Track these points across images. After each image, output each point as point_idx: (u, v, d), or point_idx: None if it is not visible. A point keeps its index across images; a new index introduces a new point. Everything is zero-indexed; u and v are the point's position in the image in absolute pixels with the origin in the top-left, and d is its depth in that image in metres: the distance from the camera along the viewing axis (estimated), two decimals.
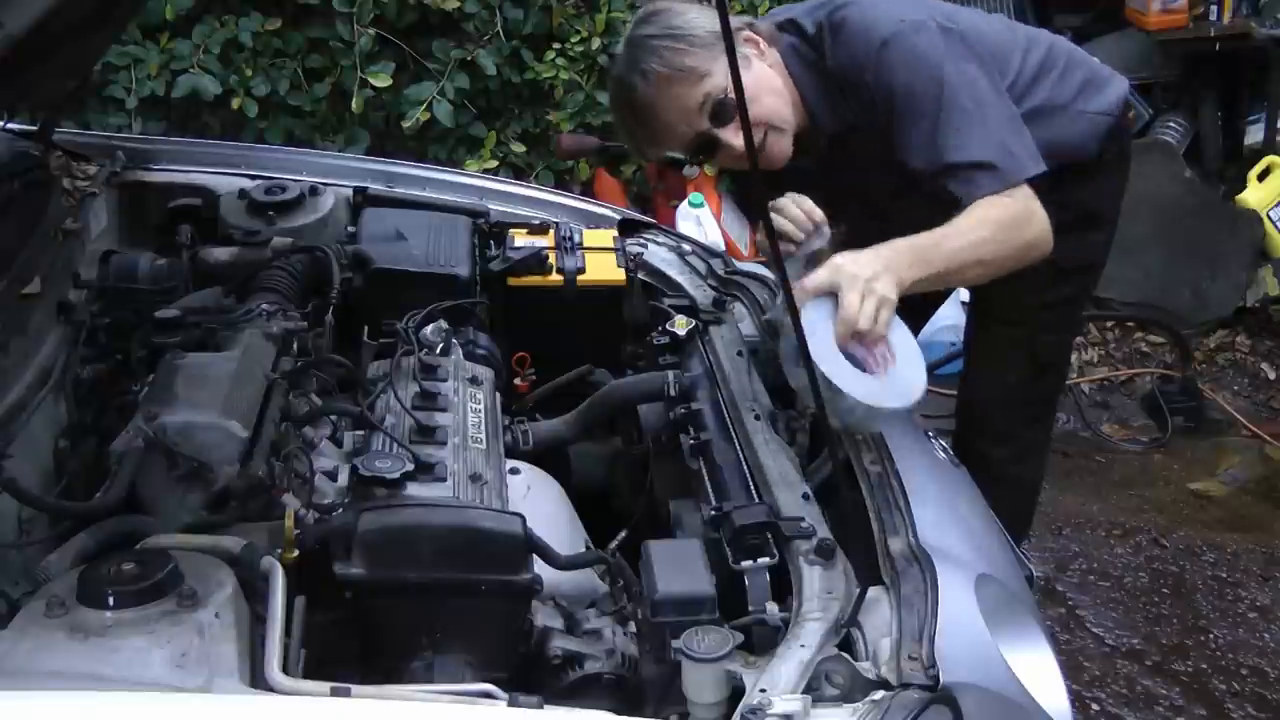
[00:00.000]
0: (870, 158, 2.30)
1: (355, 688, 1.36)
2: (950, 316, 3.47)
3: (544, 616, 1.73)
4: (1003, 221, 2.13)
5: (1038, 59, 2.36)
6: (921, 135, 2.17)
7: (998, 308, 2.55)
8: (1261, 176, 4.59)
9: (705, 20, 2.23)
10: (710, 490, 1.95)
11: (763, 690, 1.42)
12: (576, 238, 2.61)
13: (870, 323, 1.92)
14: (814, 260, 2.13)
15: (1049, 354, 2.59)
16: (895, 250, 2.05)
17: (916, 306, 2.75)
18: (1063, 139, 2.34)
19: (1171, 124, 4.96)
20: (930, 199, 2.20)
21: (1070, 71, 2.39)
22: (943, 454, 2.11)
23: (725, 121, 2.22)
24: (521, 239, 2.59)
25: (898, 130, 2.20)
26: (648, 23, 2.28)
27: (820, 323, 1.92)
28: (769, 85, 2.26)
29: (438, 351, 2.16)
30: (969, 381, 2.70)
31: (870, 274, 1.94)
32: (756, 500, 1.84)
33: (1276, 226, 4.57)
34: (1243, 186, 4.61)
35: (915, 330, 2.87)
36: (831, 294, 1.95)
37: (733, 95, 2.08)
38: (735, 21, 2.29)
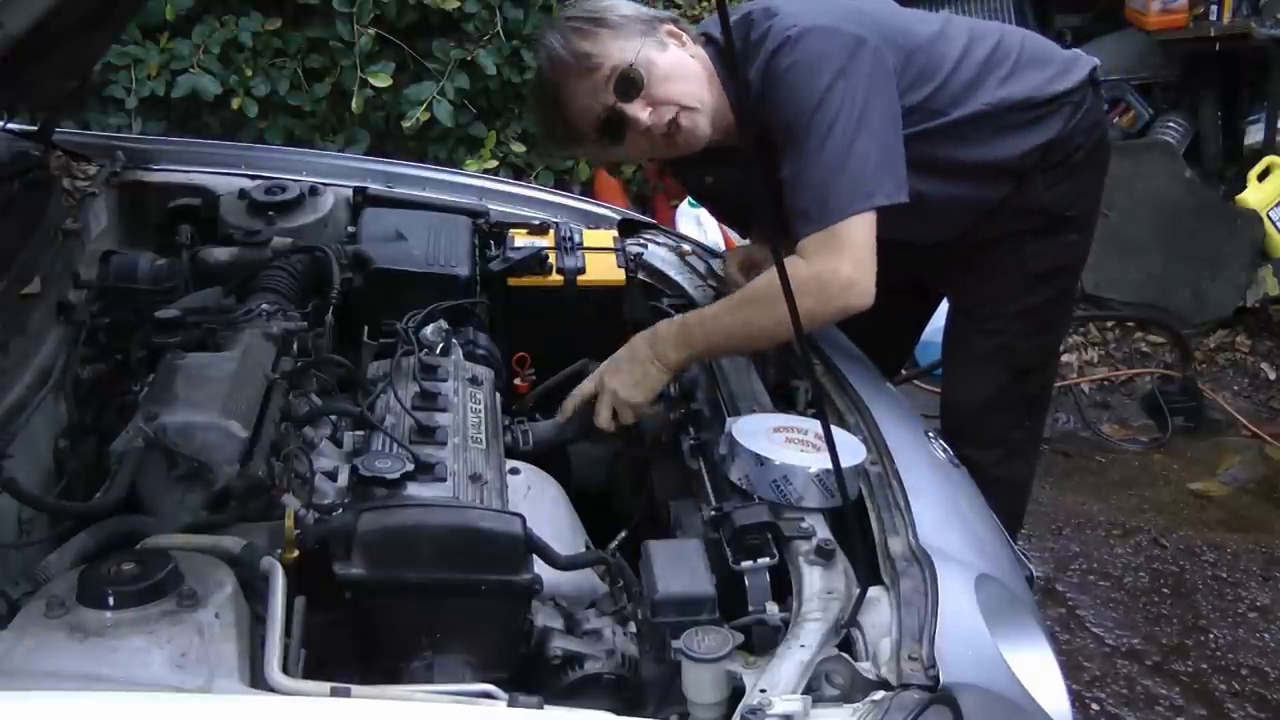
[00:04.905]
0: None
1: (355, 688, 1.36)
2: None
3: (544, 616, 1.72)
4: (767, 297, 2.04)
5: (981, 56, 2.27)
6: (788, 162, 2.10)
7: (973, 314, 2.48)
8: (1261, 176, 4.59)
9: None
10: (710, 490, 1.95)
11: (763, 690, 1.42)
12: (576, 238, 2.61)
13: (606, 425, 2.13)
14: None
15: (1028, 359, 2.49)
16: (660, 337, 2.12)
17: (914, 307, 2.76)
18: (1013, 133, 2.27)
19: (1171, 124, 4.96)
20: None
21: (1024, 67, 2.29)
22: (943, 454, 2.10)
23: (631, 97, 2.15)
24: (521, 239, 2.59)
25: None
26: (572, 7, 2.27)
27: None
28: (686, 70, 2.18)
29: (438, 351, 2.16)
30: (949, 387, 2.62)
31: (616, 385, 2.12)
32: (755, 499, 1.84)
33: (1276, 226, 4.57)
34: (1243, 186, 4.61)
35: (915, 330, 2.89)
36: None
37: (635, 70, 2.11)
38: (661, 13, 2.27)
